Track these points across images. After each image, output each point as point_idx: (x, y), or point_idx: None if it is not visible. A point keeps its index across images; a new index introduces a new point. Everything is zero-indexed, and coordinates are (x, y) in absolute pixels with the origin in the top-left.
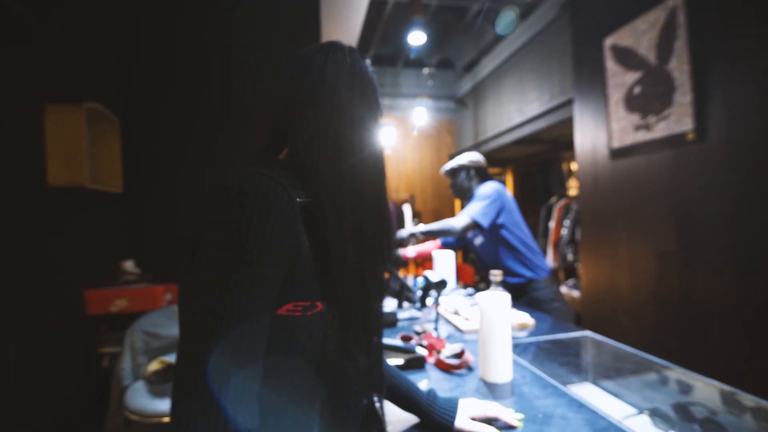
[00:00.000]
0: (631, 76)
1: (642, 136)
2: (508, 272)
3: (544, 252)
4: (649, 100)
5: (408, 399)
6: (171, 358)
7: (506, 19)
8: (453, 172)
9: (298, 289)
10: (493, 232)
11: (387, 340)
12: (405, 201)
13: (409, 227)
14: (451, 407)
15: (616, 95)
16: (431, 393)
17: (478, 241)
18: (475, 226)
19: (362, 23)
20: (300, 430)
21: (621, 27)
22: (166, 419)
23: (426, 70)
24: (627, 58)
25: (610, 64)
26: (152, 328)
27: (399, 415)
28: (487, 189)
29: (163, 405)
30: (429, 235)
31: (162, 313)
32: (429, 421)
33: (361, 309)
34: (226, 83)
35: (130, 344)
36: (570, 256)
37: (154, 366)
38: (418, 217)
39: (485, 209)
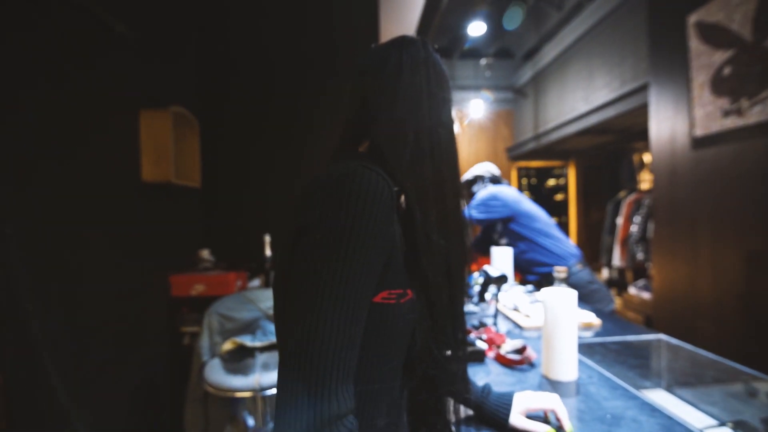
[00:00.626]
0: (721, 56)
1: (732, 123)
2: (532, 264)
3: (610, 250)
4: (742, 81)
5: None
6: (242, 339)
7: (513, 14)
8: (469, 183)
9: (393, 276)
10: (507, 229)
11: None
12: None
13: None
14: (505, 403)
15: (700, 78)
16: (486, 388)
17: (503, 242)
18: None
19: (420, 15)
20: (388, 416)
21: (709, 0)
22: (239, 393)
23: (483, 61)
24: (716, 35)
25: (695, 43)
26: (226, 311)
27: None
28: (482, 192)
29: (236, 381)
30: None
31: (234, 298)
32: (482, 416)
33: (448, 297)
34: (292, 83)
35: (207, 325)
36: (640, 255)
37: (227, 346)
38: None
39: (476, 207)
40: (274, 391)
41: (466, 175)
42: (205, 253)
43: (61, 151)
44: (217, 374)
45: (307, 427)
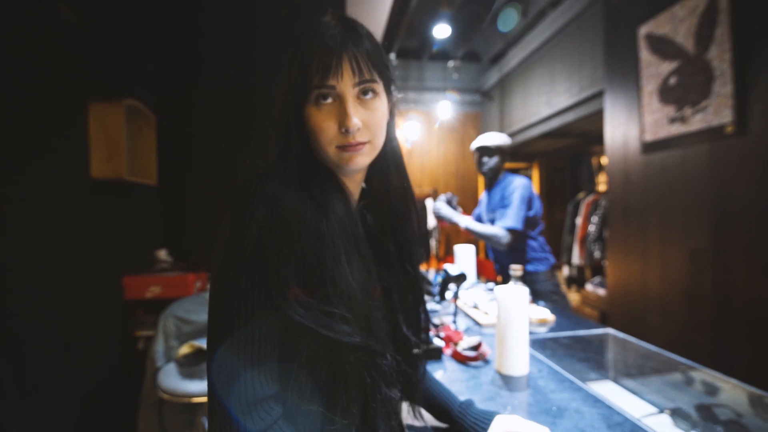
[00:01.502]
0: (667, 66)
1: (677, 129)
2: (522, 259)
3: (570, 249)
4: (685, 91)
5: (439, 405)
6: (200, 343)
7: (509, 16)
8: (489, 152)
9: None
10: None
11: None
12: (428, 195)
13: (464, 219)
14: (485, 419)
15: (649, 86)
16: (467, 402)
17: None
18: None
19: (387, 17)
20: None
21: (657, 14)
22: (195, 399)
23: (451, 63)
24: (663, 47)
25: (645, 54)
26: (183, 313)
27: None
28: (523, 190)
29: (192, 386)
30: (473, 235)
31: (193, 299)
32: (459, 429)
33: (401, 296)
34: (253, 79)
35: (163, 328)
36: (597, 254)
37: (184, 350)
38: None
39: (522, 214)
40: None
41: (486, 143)
42: (162, 254)
43: (1, 145)
44: (172, 379)
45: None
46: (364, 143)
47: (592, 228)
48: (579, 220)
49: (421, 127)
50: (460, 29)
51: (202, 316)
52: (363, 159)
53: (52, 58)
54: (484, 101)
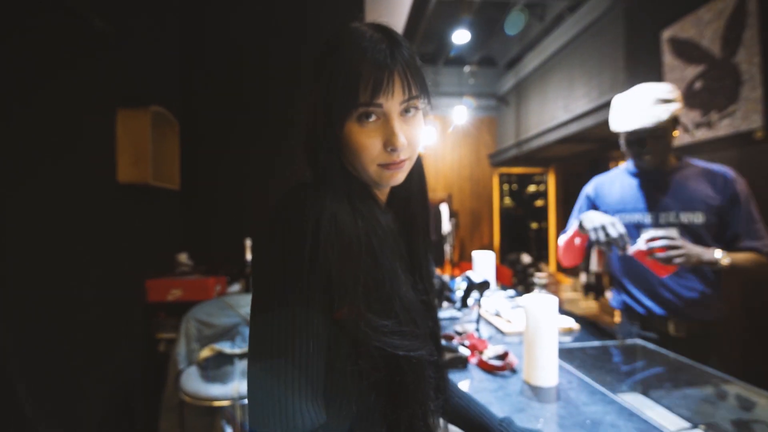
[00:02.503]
0: (692, 71)
1: (703, 135)
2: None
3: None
4: (712, 95)
5: (474, 421)
6: (221, 346)
7: (515, 19)
8: (656, 133)
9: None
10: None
11: None
12: (442, 200)
13: (713, 253)
14: None
15: None
16: (507, 420)
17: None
18: None
19: (405, 23)
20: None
21: (682, 18)
22: (216, 402)
23: (467, 68)
24: (687, 50)
25: (668, 58)
26: (205, 317)
27: None
28: (747, 190)
29: (214, 389)
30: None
31: (213, 303)
32: None
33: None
34: (276, 86)
35: (185, 331)
36: None
37: (205, 353)
38: (455, 216)
39: None
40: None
41: (659, 114)
42: (183, 257)
43: (33, 150)
44: (194, 382)
45: None
46: (404, 161)
47: None
48: None
49: (436, 132)
50: (476, 34)
51: (222, 320)
52: (402, 175)
53: (83, 66)
54: (500, 106)
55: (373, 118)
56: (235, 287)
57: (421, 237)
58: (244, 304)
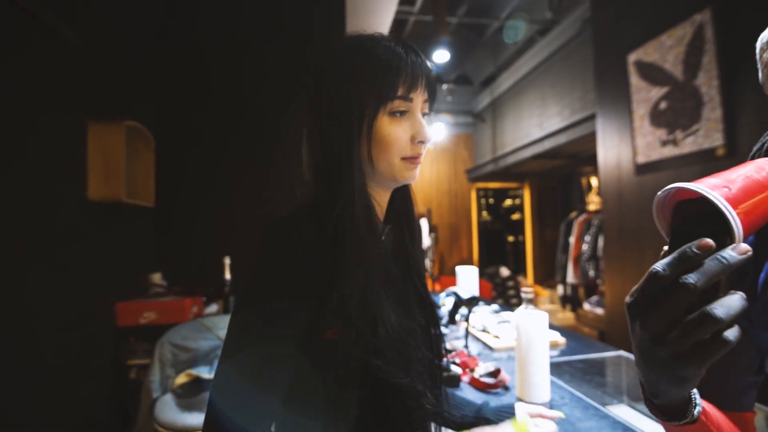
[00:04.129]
0: (657, 92)
1: (669, 152)
2: None
3: (564, 267)
4: (676, 115)
5: (457, 409)
6: (198, 371)
7: (515, 28)
8: None
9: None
10: None
11: None
12: (422, 215)
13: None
14: (507, 410)
15: (640, 110)
16: (485, 402)
17: None
18: None
19: None
20: None
21: (645, 42)
22: None
23: (444, 86)
24: (652, 73)
25: (635, 80)
26: (181, 340)
27: None
28: None
29: (191, 418)
30: None
31: (190, 325)
32: (486, 421)
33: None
34: (255, 101)
35: (159, 356)
36: (591, 272)
37: (181, 379)
38: (434, 231)
39: None
40: None
41: None
42: (157, 277)
43: None
44: (169, 411)
45: None
46: (421, 156)
47: (585, 247)
48: (572, 239)
49: None
50: (453, 54)
51: (200, 343)
52: (417, 172)
53: (51, 77)
54: (476, 122)
55: (403, 112)
56: (213, 308)
57: (419, 255)
58: (222, 326)
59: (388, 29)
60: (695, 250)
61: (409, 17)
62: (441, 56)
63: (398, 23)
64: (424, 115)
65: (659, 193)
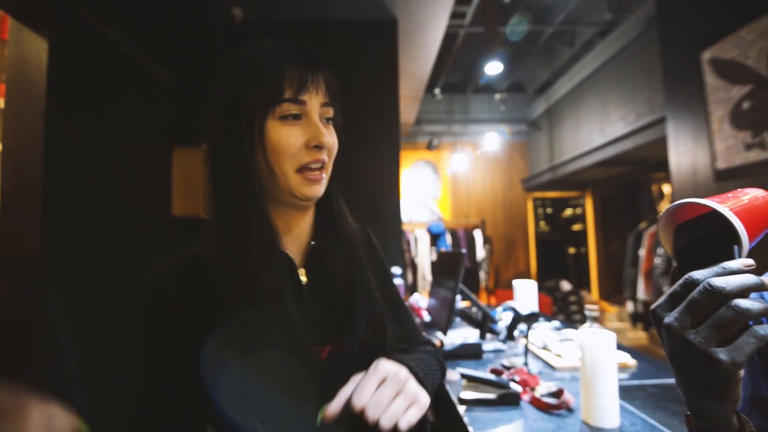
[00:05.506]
0: (738, 91)
1: (756, 155)
2: None
3: (634, 283)
4: (762, 115)
5: None
6: None
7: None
8: None
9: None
10: None
11: (477, 373)
12: (475, 226)
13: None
14: None
15: (719, 112)
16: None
17: None
18: None
19: (436, 55)
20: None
21: (722, 39)
22: None
23: (498, 96)
24: (731, 71)
25: (711, 79)
26: None
27: None
28: None
29: None
30: None
31: None
32: None
33: None
34: None
35: None
36: (666, 289)
37: None
38: (489, 242)
39: None
40: None
41: None
42: None
43: (99, 185)
44: None
45: None
46: (324, 168)
47: (658, 261)
48: (643, 252)
49: (467, 159)
50: (505, 62)
51: None
52: (321, 188)
53: (145, 109)
54: (531, 131)
55: (296, 117)
56: None
57: (358, 273)
58: None
59: (438, 45)
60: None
61: (459, 30)
62: (494, 68)
63: (449, 37)
64: (329, 120)
65: (669, 206)
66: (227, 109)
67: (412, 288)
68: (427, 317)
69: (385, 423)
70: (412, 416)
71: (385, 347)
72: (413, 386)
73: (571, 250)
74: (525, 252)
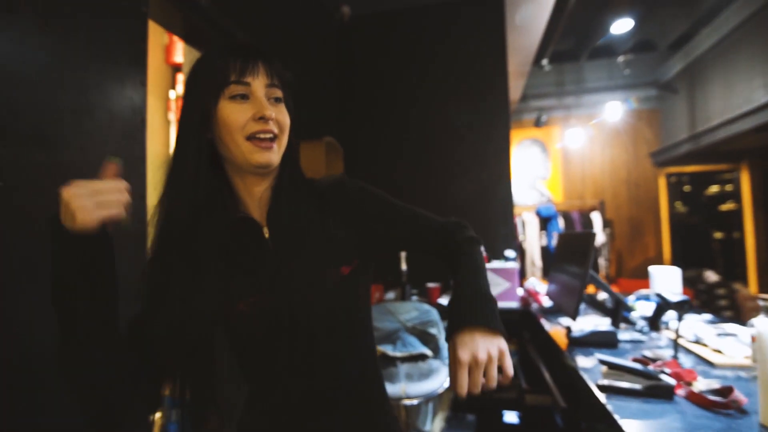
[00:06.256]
0: None
1: None
2: None
3: None
4: None
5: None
6: (383, 348)
7: None
8: None
9: None
10: None
11: (621, 361)
12: (593, 208)
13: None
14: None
15: None
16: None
17: None
18: None
19: (548, 18)
20: None
21: None
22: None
23: (621, 58)
24: None
25: None
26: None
27: None
28: None
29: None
30: None
31: (376, 308)
32: None
33: None
34: (427, 105)
35: None
36: None
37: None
38: (609, 226)
39: None
40: (416, 401)
41: None
42: None
43: None
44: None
45: None
46: (274, 136)
47: None
48: None
49: (581, 133)
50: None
51: (384, 324)
52: (274, 156)
53: None
54: (663, 95)
55: (244, 98)
56: (391, 295)
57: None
58: (402, 311)
59: (550, 11)
60: None
61: None
62: (623, 26)
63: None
64: (278, 100)
65: None
66: (187, 99)
67: (520, 274)
68: (546, 302)
69: (492, 386)
70: (508, 368)
71: (295, 303)
72: (493, 348)
73: (718, 235)
74: (656, 237)
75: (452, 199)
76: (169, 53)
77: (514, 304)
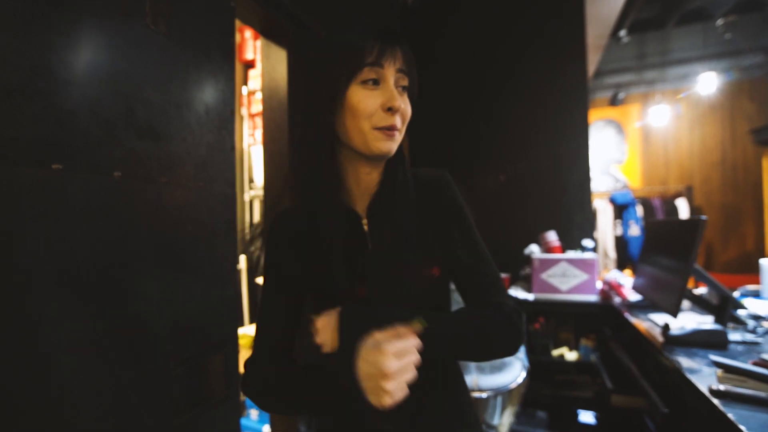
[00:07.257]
0: None
1: None
2: None
3: None
4: None
5: None
6: None
7: None
8: None
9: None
10: None
11: (744, 365)
12: (678, 194)
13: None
14: None
15: None
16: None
17: None
18: None
19: None
20: None
21: None
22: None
23: (720, 21)
24: None
25: None
26: None
27: None
28: None
29: None
30: None
31: None
32: None
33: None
34: (507, 94)
35: None
36: None
37: None
38: (698, 214)
39: None
40: (485, 395)
41: None
42: None
43: None
44: None
45: None
46: (398, 129)
47: None
48: None
49: (666, 111)
50: None
51: None
52: (394, 145)
53: None
54: None
55: (376, 82)
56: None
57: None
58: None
59: None
60: None
61: None
62: None
63: None
64: (404, 89)
65: None
66: (314, 79)
67: None
68: (632, 296)
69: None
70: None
71: (396, 298)
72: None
73: None
74: (757, 226)
75: (524, 182)
76: (241, 51)
77: (592, 298)
